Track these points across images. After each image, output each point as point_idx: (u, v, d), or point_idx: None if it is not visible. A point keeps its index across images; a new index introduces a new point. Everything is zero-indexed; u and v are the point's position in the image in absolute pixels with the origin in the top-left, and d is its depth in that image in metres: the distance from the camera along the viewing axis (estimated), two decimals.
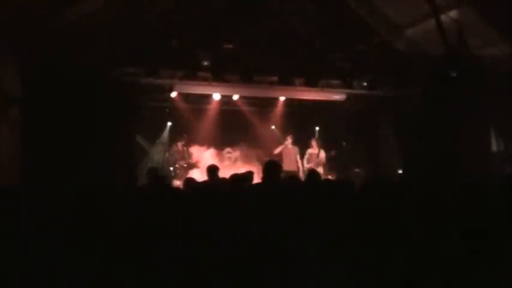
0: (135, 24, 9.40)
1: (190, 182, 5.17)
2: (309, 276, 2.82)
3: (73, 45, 8.31)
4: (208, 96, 10.92)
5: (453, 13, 8.44)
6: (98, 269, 2.76)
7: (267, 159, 7.90)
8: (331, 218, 3.18)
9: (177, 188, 6.79)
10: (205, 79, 10.07)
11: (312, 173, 5.41)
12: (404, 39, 9.95)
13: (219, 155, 11.26)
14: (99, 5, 8.04)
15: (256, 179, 6.63)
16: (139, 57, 9.52)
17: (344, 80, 10.82)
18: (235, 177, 4.33)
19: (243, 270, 2.86)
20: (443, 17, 8.26)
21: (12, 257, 2.72)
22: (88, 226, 3.03)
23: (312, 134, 11.93)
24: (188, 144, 10.96)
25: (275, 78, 10.46)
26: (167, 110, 11.17)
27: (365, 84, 10.91)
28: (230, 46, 10.50)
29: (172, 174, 10.66)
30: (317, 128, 12.46)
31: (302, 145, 11.02)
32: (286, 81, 10.61)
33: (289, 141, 10.68)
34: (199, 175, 9.01)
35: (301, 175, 10.21)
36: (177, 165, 10.75)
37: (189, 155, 10.86)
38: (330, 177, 10.15)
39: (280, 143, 10.99)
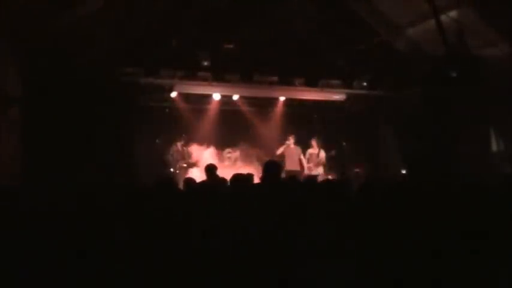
0: (135, 24, 9.40)
1: (189, 182, 5.16)
2: (309, 276, 2.83)
3: (73, 46, 8.32)
4: (208, 96, 10.91)
5: (453, 13, 8.44)
6: (98, 269, 2.77)
7: (267, 159, 7.89)
8: (331, 218, 3.18)
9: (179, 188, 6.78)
10: (205, 79, 10.06)
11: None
12: (404, 39, 9.96)
13: (219, 155, 11.24)
14: (99, 6, 8.05)
15: (256, 180, 6.63)
16: (139, 57, 9.53)
17: (344, 80, 10.82)
18: (237, 177, 4.32)
19: (242, 270, 2.86)
20: (443, 17, 8.26)
21: (12, 257, 2.72)
22: (88, 226, 3.04)
23: (312, 134, 11.92)
24: (187, 143, 10.95)
25: (275, 78, 10.46)
26: (167, 110, 11.16)
27: (365, 84, 10.91)
28: (230, 46, 10.51)
29: (173, 174, 10.64)
30: (317, 128, 12.45)
31: (302, 145, 11.01)
32: (286, 81, 10.61)
33: (291, 141, 10.67)
34: (199, 174, 9.01)
35: (305, 175, 10.21)
36: (177, 166, 10.74)
37: (189, 155, 10.84)
38: (330, 177, 10.14)
39: (281, 143, 10.99)
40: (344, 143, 12.28)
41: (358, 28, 10.15)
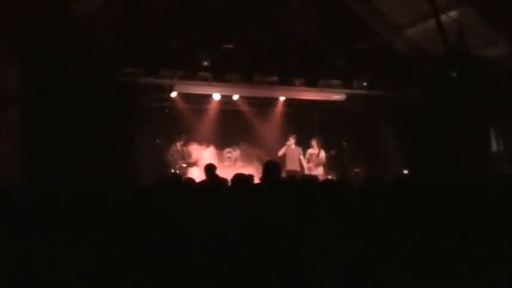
0: (135, 24, 9.41)
1: (189, 182, 5.15)
2: (309, 276, 2.83)
3: (73, 46, 8.32)
4: (208, 96, 10.92)
5: (453, 13, 8.44)
6: (98, 269, 2.77)
7: (267, 159, 7.89)
8: (331, 218, 3.18)
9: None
10: (205, 79, 10.06)
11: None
12: (405, 39, 9.96)
13: (219, 154, 11.24)
14: (99, 5, 8.05)
15: (256, 180, 6.63)
16: (139, 57, 9.53)
17: (344, 80, 10.82)
18: (239, 177, 4.33)
19: (242, 270, 2.86)
20: (443, 17, 8.26)
21: (12, 257, 2.72)
22: (88, 226, 3.03)
23: (312, 134, 11.92)
24: (187, 143, 10.95)
25: (275, 78, 10.46)
26: (167, 110, 11.16)
27: (365, 84, 10.91)
28: (230, 46, 10.51)
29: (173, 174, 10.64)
30: (317, 128, 12.45)
31: (302, 145, 11.01)
32: (286, 81, 10.61)
33: (291, 141, 10.68)
34: (198, 174, 9.02)
35: (305, 175, 10.21)
36: (177, 166, 10.74)
37: (189, 155, 10.85)
38: (329, 177, 10.14)
39: (282, 143, 10.99)
40: (344, 143, 12.27)
41: (358, 28, 10.14)
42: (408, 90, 10.56)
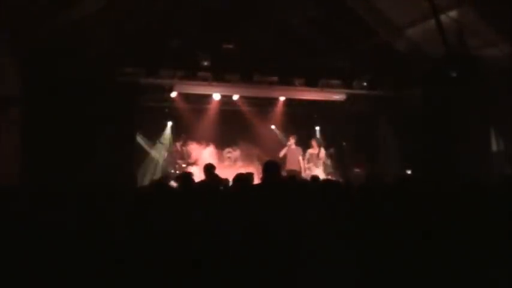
0: (135, 24, 9.41)
1: (188, 180, 5.14)
2: (309, 276, 2.83)
3: (73, 46, 8.32)
4: (208, 96, 10.92)
5: (453, 13, 8.43)
6: (98, 269, 2.76)
7: (267, 158, 7.89)
8: (331, 218, 3.18)
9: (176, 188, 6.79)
10: (205, 79, 10.06)
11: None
12: (405, 39, 9.95)
13: (219, 154, 11.26)
14: (99, 6, 8.05)
15: (256, 180, 6.64)
16: (139, 57, 9.52)
17: (344, 80, 10.82)
18: (239, 176, 4.33)
19: (243, 270, 2.86)
20: (443, 17, 8.25)
21: (12, 257, 2.72)
22: (88, 226, 3.03)
23: (312, 134, 11.93)
24: (186, 143, 10.96)
25: (275, 78, 10.46)
26: (167, 110, 11.17)
27: (365, 84, 10.91)
28: (230, 46, 10.51)
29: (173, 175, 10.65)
30: (317, 128, 12.46)
31: (302, 145, 11.02)
32: (286, 81, 10.61)
33: (292, 141, 10.69)
34: (198, 173, 9.01)
35: (303, 175, 10.22)
36: (176, 165, 10.75)
37: (188, 155, 10.87)
38: (329, 177, 10.16)
39: (282, 143, 10.99)
40: (344, 143, 12.28)
41: (358, 28, 10.14)
42: (408, 90, 10.56)
